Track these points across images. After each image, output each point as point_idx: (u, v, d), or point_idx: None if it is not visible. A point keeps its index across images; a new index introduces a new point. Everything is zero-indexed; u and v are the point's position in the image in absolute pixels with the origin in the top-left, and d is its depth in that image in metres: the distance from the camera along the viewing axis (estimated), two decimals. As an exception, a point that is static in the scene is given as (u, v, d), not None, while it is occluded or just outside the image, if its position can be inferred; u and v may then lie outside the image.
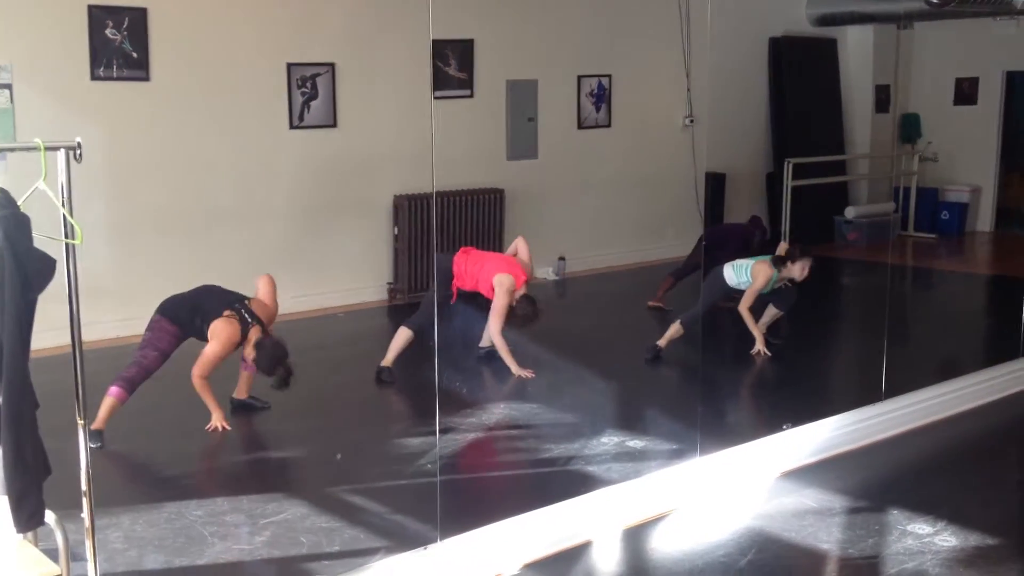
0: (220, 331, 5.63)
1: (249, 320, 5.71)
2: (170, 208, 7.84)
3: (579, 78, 10.26)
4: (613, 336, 8.13)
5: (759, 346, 7.23)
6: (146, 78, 7.63)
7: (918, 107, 12.65)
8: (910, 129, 12.56)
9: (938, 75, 12.51)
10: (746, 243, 8.37)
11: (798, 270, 7.27)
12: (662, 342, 7.19)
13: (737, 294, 7.29)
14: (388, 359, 6.69)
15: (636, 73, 10.62)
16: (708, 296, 7.42)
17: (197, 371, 5.62)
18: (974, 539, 4.42)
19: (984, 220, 12.60)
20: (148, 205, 7.75)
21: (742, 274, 7.23)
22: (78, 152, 2.99)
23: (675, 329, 7.19)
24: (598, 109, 10.45)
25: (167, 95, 7.73)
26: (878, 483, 5.20)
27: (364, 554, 4.17)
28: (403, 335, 6.71)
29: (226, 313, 5.67)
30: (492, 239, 9.45)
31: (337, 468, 5.37)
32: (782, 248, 7.51)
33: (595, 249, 10.33)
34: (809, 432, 5.46)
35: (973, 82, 12.52)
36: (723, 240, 8.49)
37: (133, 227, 7.67)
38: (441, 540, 4.08)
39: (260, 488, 4.89)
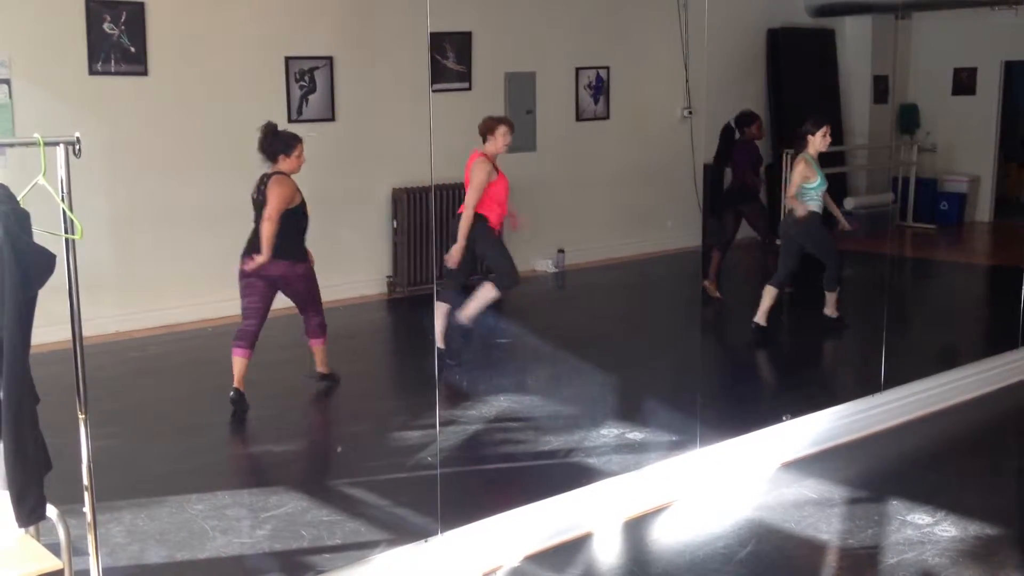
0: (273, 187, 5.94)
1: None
2: (170, 203, 7.84)
3: (577, 70, 10.25)
4: (613, 328, 8.14)
5: (842, 223, 7.69)
6: (144, 72, 7.62)
7: (916, 97, 12.64)
8: (908, 120, 12.55)
9: (936, 65, 12.50)
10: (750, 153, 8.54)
11: (820, 140, 7.32)
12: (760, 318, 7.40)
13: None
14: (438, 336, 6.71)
15: (634, 65, 10.60)
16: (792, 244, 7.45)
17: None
18: (974, 529, 4.43)
19: (983, 210, 12.60)
20: (148, 200, 7.75)
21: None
22: (77, 147, 2.98)
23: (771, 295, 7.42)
24: (596, 101, 10.44)
25: (165, 89, 7.72)
26: (878, 473, 5.21)
27: (365, 547, 4.18)
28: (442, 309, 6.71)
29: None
30: (491, 232, 9.43)
31: (338, 461, 5.38)
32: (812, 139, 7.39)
33: (594, 241, 10.32)
34: (809, 423, 5.46)
35: (971, 72, 12.51)
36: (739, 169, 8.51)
37: (133, 222, 7.67)
38: (442, 533, 4.09)
39: (261, 482, 4.91)
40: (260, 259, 5.87)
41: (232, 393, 5.87)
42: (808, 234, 7.40)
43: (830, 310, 7.70)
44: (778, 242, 8.35)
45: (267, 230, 5.87)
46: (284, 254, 5.97)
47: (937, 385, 6.14)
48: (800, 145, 7.43)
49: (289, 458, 5.45)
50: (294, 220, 6.01)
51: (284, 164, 6.05)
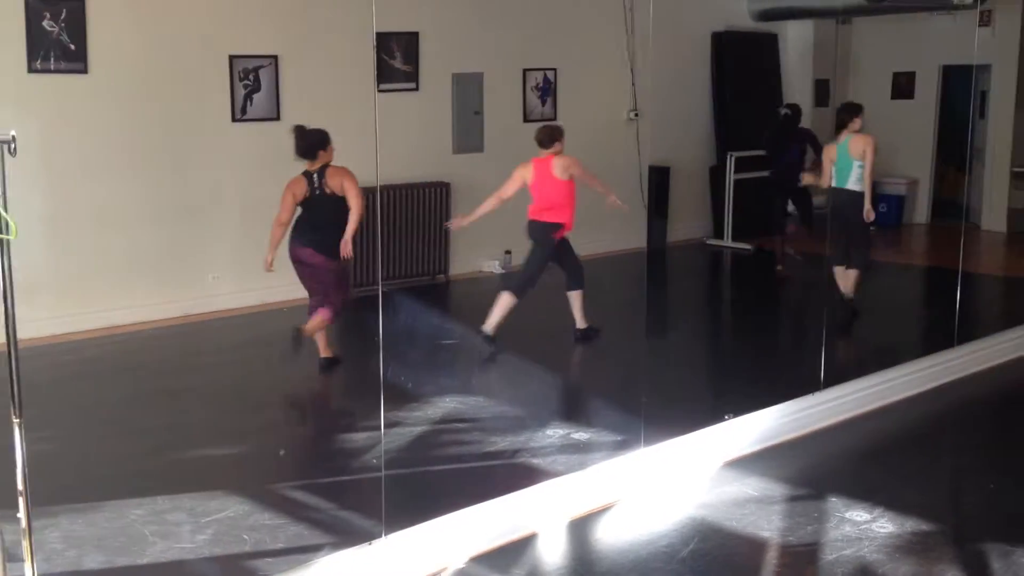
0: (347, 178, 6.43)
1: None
2: (110, 203, 7.73)
3: (525, 71, 10.28)
4: (558, 329, 8.15)
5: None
6: (84, 70, 7.50)
7: (856, 101, 12.81)
8: (849, 123, 12.73)
9: (876, 70, 12.72)
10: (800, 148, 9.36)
11: (859, 123, 7.96)
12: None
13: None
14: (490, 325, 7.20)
15: (581, 67, 10.65)
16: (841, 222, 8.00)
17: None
18: (910, 525, 4.51)
19: (921, 212, 12.84)
20: (87, 200, 7.63)
21: (842, 168, 7.84)
22: (12, 146, 2.94)
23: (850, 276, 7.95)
24: (544, 103, 10.47)
25: (106, 88, 7.61)
26: (817, 471, 5.29)
27: (308, 551, 4.15)
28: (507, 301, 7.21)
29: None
30: (437, 233, 9.43)
31: (281, 464, 5.34)
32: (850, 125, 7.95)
33: (541, 242, 10.34)
34: (751, 422, 5.53)
35: (910, 76, 12.74)
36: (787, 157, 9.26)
37: (71, 222, 7.54)
38: (386, 535, 4.07)
39: (202, 485, 4.85)
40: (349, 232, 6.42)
41: (320, 362, 6.57)
42: (859, 210, 7.86)
43: (851, 287, 8.08)
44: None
45: (360, 216, 6.44)
46: (319, 244, 6.41)
47: (875, 384, 6.25)
48: (845, 126, 7.95)
49: (231, 461, 5.40)
50: (336, 210, 6.41)
51: (325, 157, 6.48)
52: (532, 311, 8.82)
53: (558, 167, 7.25)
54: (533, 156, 7.45)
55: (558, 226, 7.37)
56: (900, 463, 5.40)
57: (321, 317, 6.53)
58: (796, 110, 9.91)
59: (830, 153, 8.08)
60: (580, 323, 7.48)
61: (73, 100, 7.50)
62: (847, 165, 7.88)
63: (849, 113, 8.02)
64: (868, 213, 7.82)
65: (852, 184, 7.86)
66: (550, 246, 7.40)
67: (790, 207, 9.91)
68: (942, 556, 4.27)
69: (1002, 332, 7.48)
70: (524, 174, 7.36)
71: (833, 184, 7.99)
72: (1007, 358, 7.16)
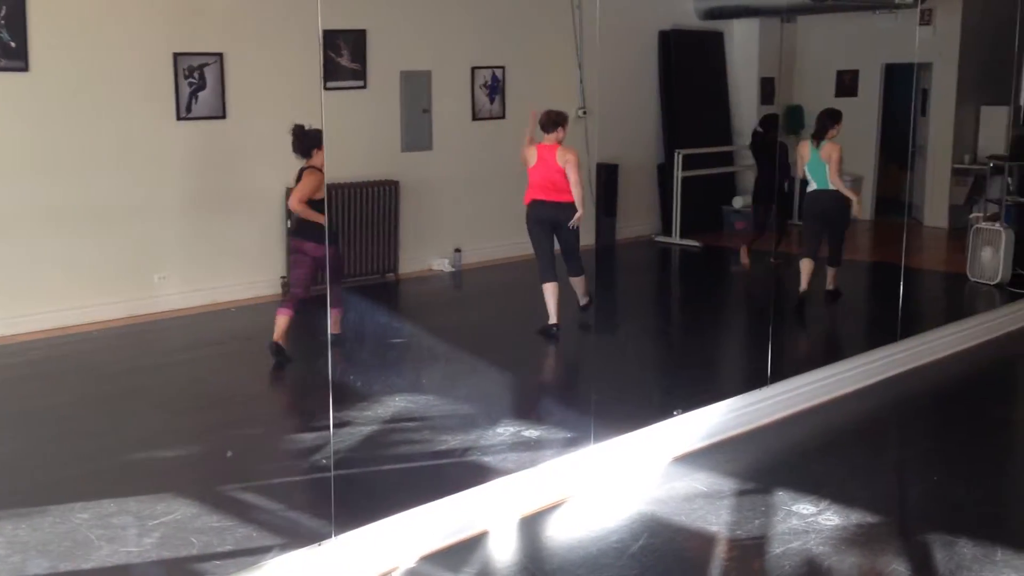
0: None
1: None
2: (53, 202, 7.60)
3: (473, 69, 10.28)
4: (509, 327, 8.18)
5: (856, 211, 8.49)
6: (25, 68, 7.37)
7: (801, 99, 13.01)
8: (794, 120, 12.91)
9: (820, 68, 12.90)
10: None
11: (838, 128, 8.26)
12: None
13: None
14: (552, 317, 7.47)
15: (530, 65, 10.68)
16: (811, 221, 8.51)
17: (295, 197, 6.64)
18: (856, 517, 4.58)
19: (865, 208, 13.03)
20: (29, 199, 7.49)
21: (817, 170, 8.16)
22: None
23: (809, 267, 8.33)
24: (492, 101, 10.48)
25: (47, 86, 7.49)
26: (765, 465, 5.35)
27: (257, 552, 4.12)
28: (552, 289, 7.45)
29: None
30: (387, 231, 9.40)
31: (229, 466, 5.29)
32: (830, 132, 8.26)
33: (491, 240, 10.37)
34: (699, 417, 5.58)
35: (854, 74, 12.93)
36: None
37: (14, 222, 7.41)
38: (336, 536, 4.05)
39: (149, 488, 4.79)
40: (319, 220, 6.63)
41: (271, 345, 6.62)
42: (840, 211, 8.30)
43: (831, 281, 8.66)
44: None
45: (303, 212, 6.62)
46: (320, 236, 6.62)
47: (821, 378, 6.34)
48: (822, 136, 8.23)
49: (178, 463, 5.34)
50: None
51: (318, 158, 6.67)
52: (483, 309, 8.84)
53: (560, 156, 7.37)
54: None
55: (569, 205, 7.43)
56: (846, 456, 5.49)
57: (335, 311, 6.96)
58: (768, 125, 9.94)
59: (803, 151, 8.37)
60: (553, 318, 7.54)
61: (13, 98, 7.36)
62: (821, 166, 8.17)
63: (831, 119, 8.29)
64: (858, 211, 8.34)
65: (830, 184, 8.20)
66: (565, 222, 7.51)
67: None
68: (887, 547, 4.34)
69: (944, 326, 7.63)
70: (528, 156, 7.49)
71: (815, 187, 8.28)
72: (949, 351, 7.30)
